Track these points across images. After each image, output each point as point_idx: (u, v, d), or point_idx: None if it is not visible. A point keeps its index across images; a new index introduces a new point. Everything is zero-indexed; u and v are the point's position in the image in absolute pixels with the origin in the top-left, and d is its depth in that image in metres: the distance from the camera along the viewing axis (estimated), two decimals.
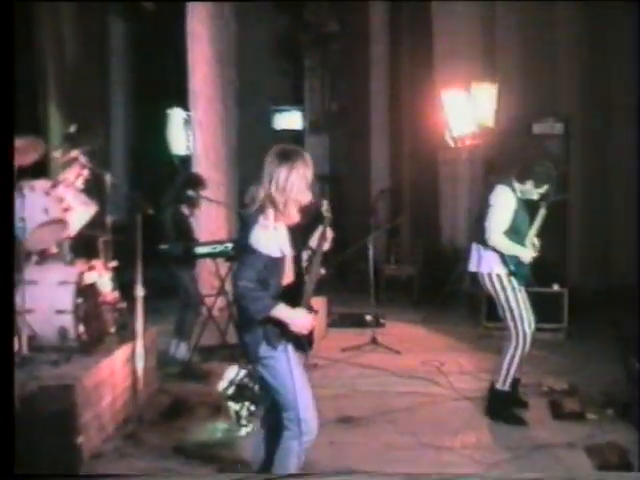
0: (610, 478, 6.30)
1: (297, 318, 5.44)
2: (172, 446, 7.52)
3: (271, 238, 5.38)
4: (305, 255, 5.79)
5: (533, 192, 8.13)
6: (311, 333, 5.65)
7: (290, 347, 5.55)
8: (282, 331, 5.45)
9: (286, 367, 5.51)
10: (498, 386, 8.25)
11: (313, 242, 5.78)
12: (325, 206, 5.75)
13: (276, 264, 5.43)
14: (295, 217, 5.57)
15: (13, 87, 4.90)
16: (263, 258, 5.34)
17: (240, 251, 5.53)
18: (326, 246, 5.77)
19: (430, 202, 15.72)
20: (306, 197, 5.56)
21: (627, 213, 13.59)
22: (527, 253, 8.07)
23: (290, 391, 5.54)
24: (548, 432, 7.93)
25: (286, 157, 5.47)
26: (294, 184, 5.42)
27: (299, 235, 5.68)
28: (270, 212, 5.39)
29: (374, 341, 11.35)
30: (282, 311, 5.38)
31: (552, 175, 8.19)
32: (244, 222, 5.54)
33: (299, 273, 5.68)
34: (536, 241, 8.21)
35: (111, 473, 5.29)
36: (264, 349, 5.48)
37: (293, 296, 5.51)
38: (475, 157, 12.77)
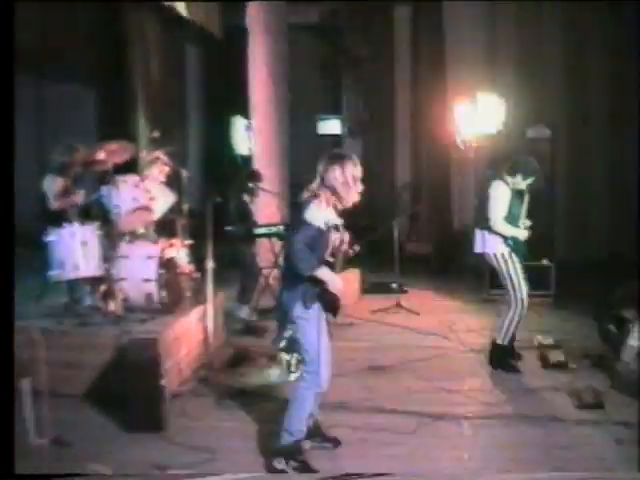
0: None
1: (335, 280, 5.50)
2: (236, 387, 7.61)
3: (321, 214, 5.40)
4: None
5: (522, 183, 8.10)
6: (338, 302, 5.67)
7: (321, 310, 5.56)
8: (318, 294, 5.49)
9: (315, 328, 5.52)
10: (499, 341, 8.24)
11: (336, 241, 5.64)
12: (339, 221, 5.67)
13: (322, 237, 5.44)
14: (344, 204, 5.59)
15: (12, 86, 4.77)
16: (313, 229, 5.36)
17: (295, 227, 5.52)
18: (344, 247, 5.71)
19: (443, 193, 15.68)
20: (355, 190, 5.58)
21: (603, 201, 13.56)
22: (523, 233, 8.08)
23: (315, 349, 5.55)
24: (538, 378, 7.94)
25: (337, 158, 5.55)
26: (347, 177, 5.48)
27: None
28: (323, 198, 5.44)
29: (398, 305, 11.32)
30: (324, 272, 5.42)
31: (536, 168, 8.18)
32: (300, 207, 5.53)
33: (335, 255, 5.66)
34: (527, 222, 8.21)
35: (116, 474, 5.26)
36: (299, 309, 5.52)
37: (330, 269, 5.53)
38: (480, 156, 12.71)
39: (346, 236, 5.70)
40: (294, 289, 5.54)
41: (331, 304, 5.62)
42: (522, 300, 8.06)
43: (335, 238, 5.59)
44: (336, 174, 5.47)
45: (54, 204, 8.58)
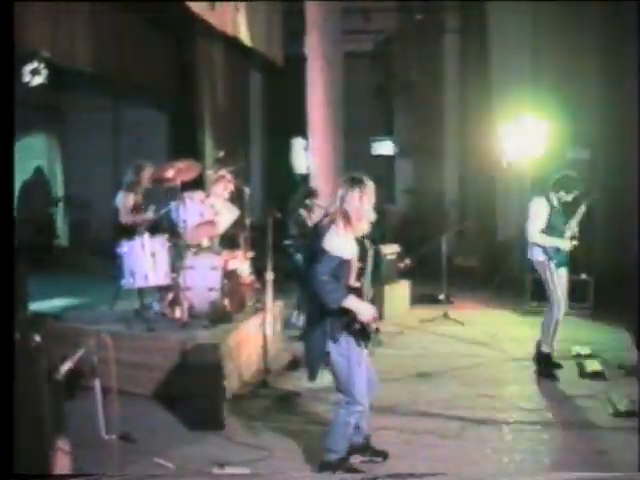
0: None
1: (364, 308, 5.19)
2: (292, 390, 7.64)
3: (340, 243, 5.14)
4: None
5: (567, 197, 8.19)
6: (369, 330, 5.33)
7: (351, 340, 5.26)
8: (346, 325, 5.20)
9: (345, 361, 5.25)
10: (543, 348, 8.28)
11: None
12: (367, 240, 5.36)
13: (344, 265, 5.16)
14: (363, 230, 5.29)
15: (12, 90, 4.71)
16: (334, 259, 5.09)
17: (314, 253, 5.19)
18: (369, 268, 5.36)
19: (488, 210, 15.57)
20: (371, 215, 5.30)
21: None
22: (564, 243, 8.13)
23: (347, 381, 5.31)
24: (575, 387, 7.89)
25: (357, 183, 5.24)
26: (364, 204, 5.20)
27: (364, 251, 5.33)
28: (340, 223, 5.15)
29: (445, 315, 11.26)
30: (352, 301, 5.12)
31: (578, 182, 8.26)
32: (318, 231, 5.29)
33: (360, 278, 5.31)
34: (575, 229, 8.24)
35: (120, 473, 5.31)
36: (328, 344, 5.23)
37: (357, 295, 5.22)
38: (523, 175, 12.59)
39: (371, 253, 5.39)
40: (322, 323, 5.25)
41: (361, 333, 5.28)
42: (559, 304, 8.10)
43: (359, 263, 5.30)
44: (355, 200, 5.19)
45: (125, 218, 8.72)
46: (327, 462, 5.54)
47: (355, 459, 5.74)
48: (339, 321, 5.21)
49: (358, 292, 5.26)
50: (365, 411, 5.51)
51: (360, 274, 5.32)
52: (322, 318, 5.24)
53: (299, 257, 9.96)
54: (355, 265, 5.28)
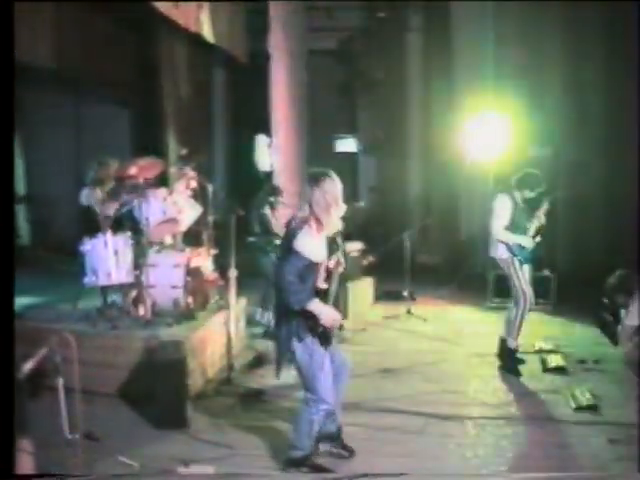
0: None
1: (327, 312, 5.18)
2: (255, 388, 7.63)
3: (312, 245, 5.12)
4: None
5: (531, 194, 8.27)
6: (331, 335, 5.35)
7: (316, 341, 5.26)
8: (310, 327, 5.20)
9: (309, 360, 5.27)
10: (508, 343, 8.34)
11: (330, 264, 5.33)
12: (339, 238, 5.39)
13: (313, 267, 5.15)
14: (336, 225, 5.30)
15: (13, 86, 4.67)
16: (303, 260, 5.08)
17: (284, 253, 5.23)
18: (340, 269, 5.42)
19: (452, 207, 15.66)
20: (339, 207, 5.25)
21: (600, 217, 13.53)
22: (528, 240, 8.19)
23: (313, 380, 5.31)
24: (538, 381, 7.97)
25: (315, 179, 5.22)
26: (328, 198, 5.16)
27: (334, 247, 5.34)
28: (313, 224, 5.13)
29: (409, 311, 11.31)
30: (315, 305, 5.12)
31: (541, 179, 8.33)
32: (290, 230, 5.26)
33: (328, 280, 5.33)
34: (538, 222, 8.32)
35: (123, 473, 5.31)
36: (294, 343, 5.24)
37: (323, 298, 5.25)
38: (486, 173, 12.67)
39: (342, 259, 5.38)
40: (289, 322, 5.26)
41: (323, 336, 5.29)
42: (524, 298, 8.16)
43: (330, 262, 5.30)
44: (316, 197, 5.18)
45: (102, 209, 8.53)
46: (291, 459, 5.56)
47: (325, 446, 5.78)
48: (304, 322, 5.21)
49: (325, 293, 5.28)
50: (331, 407, 5.49)
51: (329, 275, 5.32)
52: (289, 317, 5.25)
53: (262, 254, 9.97)
54: (325, 267, 5.27)
